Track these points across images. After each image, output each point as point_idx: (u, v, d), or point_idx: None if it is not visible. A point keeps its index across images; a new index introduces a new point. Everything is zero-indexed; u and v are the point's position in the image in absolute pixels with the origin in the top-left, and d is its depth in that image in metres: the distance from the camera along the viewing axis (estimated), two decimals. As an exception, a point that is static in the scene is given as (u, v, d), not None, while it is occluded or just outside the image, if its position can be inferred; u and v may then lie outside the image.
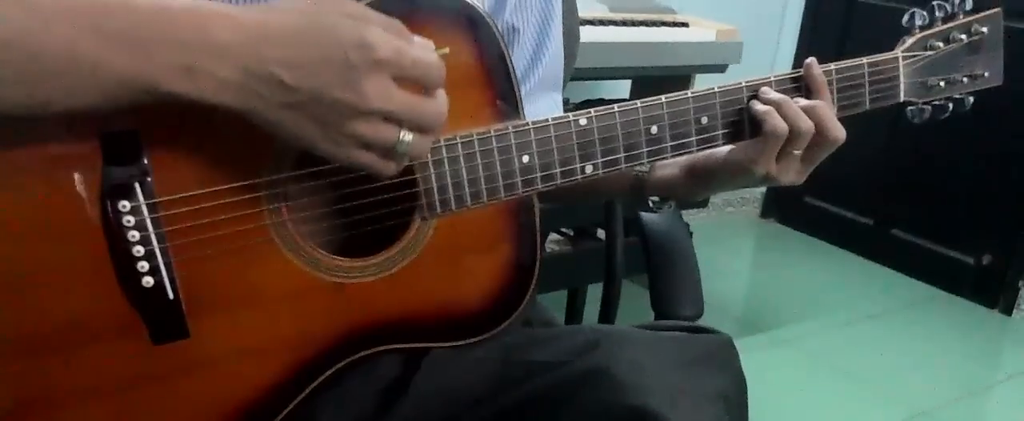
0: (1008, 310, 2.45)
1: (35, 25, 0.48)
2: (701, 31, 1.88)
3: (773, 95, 0.71)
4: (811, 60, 0.73)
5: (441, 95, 0.57)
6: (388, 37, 0.53)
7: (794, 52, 2.80)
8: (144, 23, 0.51)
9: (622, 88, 2.16)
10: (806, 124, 0.70)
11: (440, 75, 0.56)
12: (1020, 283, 2.42)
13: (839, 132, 0.71)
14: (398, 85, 0.54)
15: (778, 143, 0.70)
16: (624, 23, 1.78)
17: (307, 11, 0.53)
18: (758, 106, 0.71)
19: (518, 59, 0.80)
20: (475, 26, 0.65)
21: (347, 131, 0.54)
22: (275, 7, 0.54)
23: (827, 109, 0.71)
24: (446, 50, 0.56)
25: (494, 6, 0.77)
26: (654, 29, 1.81)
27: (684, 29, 1.87)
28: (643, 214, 0.94)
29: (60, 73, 0.49)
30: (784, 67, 2.82)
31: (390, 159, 0.57)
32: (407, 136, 0.55)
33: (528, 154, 0.67)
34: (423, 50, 0.55)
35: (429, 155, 0.64)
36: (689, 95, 0.70)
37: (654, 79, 1.88)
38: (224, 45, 0.51)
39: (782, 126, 0.70)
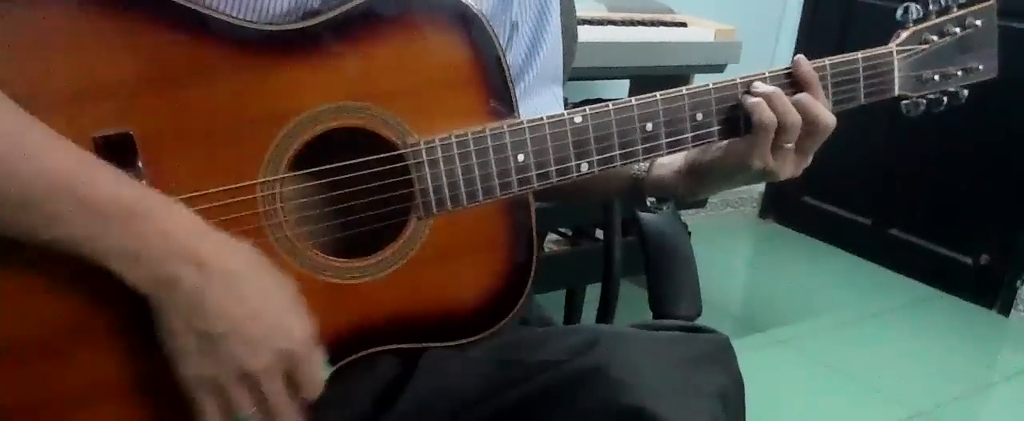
0: (1006, 310, 2.45)
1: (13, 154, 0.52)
2: (700, 31, 1.88)
3: (763, 88, 0.71)
4: (800, 57, 0.73)
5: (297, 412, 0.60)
6: (305, 340, 0.59)
7: (792, 52, 2.80)
8: (112, 203, 0.54)
9: (620, 88, 2.16)
10: (794, 116, 0.70)
11: (316, 392, 0.61)
12: (1018, 283, 2.42)
13: (829, 119, 0.72)
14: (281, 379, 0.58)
15: (768, 135, 0.71)
16: (622, 23, 1.77)
17: (257, 268, 0.58)
18: (749, 99, 0.71)
19: (516, 54, 0.80)
20: (469, 25, 0.65)
21: (219, 380, 0.56)
22: (233, 246, 0.58)
23: (813, 100, 0.72)
24: (330, 369, 0.63)
25: (499, 3, 0.77)
26: (652, 29, 1.81)
27: (682, 29, 1.87)
28: (641, 214, 0.94)
29: (22, 210, 0.52)
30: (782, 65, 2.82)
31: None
32: (251, 417, 0.58)
33: (523, 153, 0.66)
34: (322, 368, 0.61)
35: (424, 154, 0.64)
36: (684, 92, 0.70)
37: (652, 79, 1.88)
38: (176, 252, 0.55)
39: (770, 117, 0.70)
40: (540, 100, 0.82)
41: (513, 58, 0.80)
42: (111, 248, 0.53)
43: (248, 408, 0.58)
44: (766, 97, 0.70)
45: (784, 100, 0.70)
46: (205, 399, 0.57)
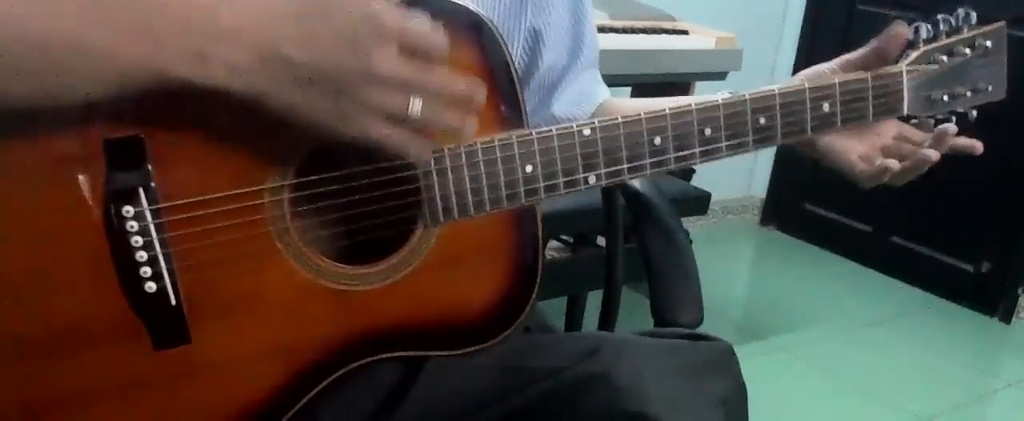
0: (1007, 318, 2.45)
1: (45, 17, 0.48)
2: (701, 39, 1.89)
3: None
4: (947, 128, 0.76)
5: (445, 66, 0.57)
6: (391, 9, 0.54)
7: (793, 60, 2.81)
8: (153, 11, 0.51)
9: (622, 95, 2.15)
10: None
11: (443, 44, 0.56)
12: (1019, 291, 2.42)
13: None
14: (406, 56, 0.55)
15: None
16: (624, 30, 1.78)
17: None
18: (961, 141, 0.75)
19: (553, 56, 0.81)
20: (479, 32, 0.65)
21: (359, 100, 0.54)
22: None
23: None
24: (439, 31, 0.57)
25: (515, 10, 0.77)
26: (654, 37, 1.82)
27: (684, 37, 1.88)
28: (641, 222, 0.94)
29: (71, 64, 0.50)
30: (784, 75, 2.82)
31: (405, 130, 0.56)
32: (418, 102, 0.56)
33: (532, 164, 0.67)
34: (424, 21, 0.56)
35: (432, 163, 0.65)
36: (693, 107, 0.70)
37: (654, 86, 1.88)
38: (234, 29, 0.52)
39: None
40: (581, 81, 0.84)
41: (554, 58, 0.81)
42: (178, 53, 0.51)
43: (403, 102, 0.55)
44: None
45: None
46: (374, 127, 0.55)
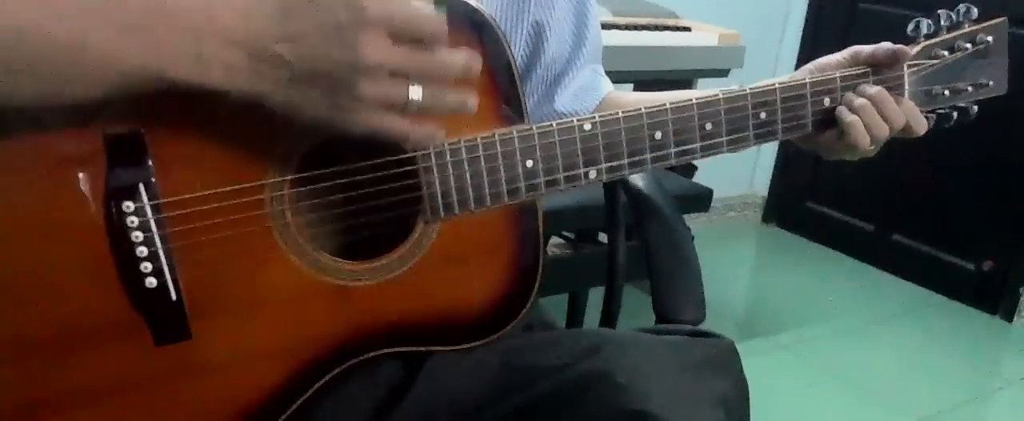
0: (1009, 316, 2.45)
1: (45, 16, 0.48)
2: (703, 35, 1.88)
3: (871, 90, 0.73)
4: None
5: (443, 46, 0.56)
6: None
7: (796, 57, 2.81)
8: (153, 12, 0.51)
9: (624, 92, 2.15)
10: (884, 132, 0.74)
11: (437, 26, 0.55)
12: (1021, 289, 2.42)
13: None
14: (397, 43, 0.53)
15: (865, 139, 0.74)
16: (627, 27, 1.78)
17: None
18: (857, 100, 0.73)
19: (558, 48, 0.80)
20: (480, 29, 0.65)
21: (355, 93, 0.53)
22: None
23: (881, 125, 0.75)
24: (444, 8, 0.56)
25: (518, 3, 0.77)
26: (656, 33, 1.81)
27: (686, 33, 1.87)
28: (643, 219, 0.94)
29: (71, 64, 0.49)
30: (786, 71, 2.81)
31: (408, 116, 0.56)
32: (416, 90, 0.55)
33: (532, 159, 0.67)
34: (416, 4, 0.55)
35: (433, 158, 0.64)
36: (693, 101, 0.70)
37: (656, 83, 1.88)
38: (227, 28, 0.51)
39: (865, 139, 0.73)
40: (581, 77, 0.84)
41: (557, 52, 0.80)
42: (178, 56, 0.51)
43: (401, 90, 0.54)
44: (873, 100, 0.73)
45: (877, 118, 0.73)
46: (374, 119, 0.55)
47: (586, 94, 0.86)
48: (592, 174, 0.69)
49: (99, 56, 0.50)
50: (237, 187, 0.60)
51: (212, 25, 0.51)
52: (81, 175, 0.56)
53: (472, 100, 0.59)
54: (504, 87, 0.67)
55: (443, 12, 0.55)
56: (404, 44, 0.54)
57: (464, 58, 0.57)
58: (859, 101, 0.73)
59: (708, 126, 0.71)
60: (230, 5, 0.52)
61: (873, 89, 0.74)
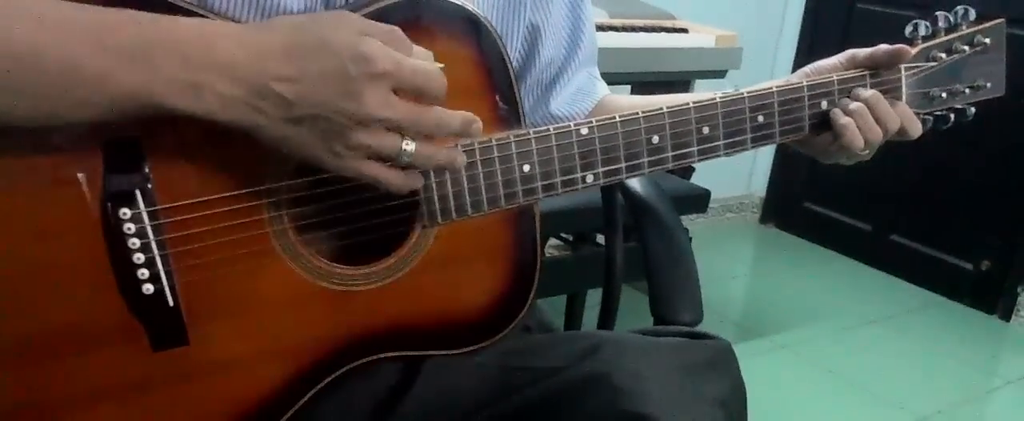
0: (1006, 316, 2.45)
1: (43, 39, 0.49)
2: (700, 37, 1.88)
3: (866, 93, 0.74)
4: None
5: (442, 104, 0.57)
6: (386, 50, 0.53)
7: (793, 58, 2.81)
8: (151, 39, 0.51)
9: (621, 94, 2.15)
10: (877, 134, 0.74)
11: (440, 84, 0.56)
12: (1019, 289, 2.42)
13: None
14: (399, 96, 0.54)
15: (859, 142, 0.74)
16: (623, 28, 1.78)
17: (305, 26, 0.54)
18: (851, 104, 0.73)
19: (553, 50, 0.80)
20: (477, 32, 0.65)
21: (351, 142, 0.54)
22: (275, 23, 0.55)
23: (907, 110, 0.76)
24: (442, 66, 0.57)
25: (514, 5, 0.77)
26: (653, 35, 1.81)
27: (683, 35, 1.87)
28: (641, 220, 0.94)
29: (66, 86, 0.50)
30: (783, 73, 2.81)
31: (398, 169, 0.57)
32: (410, 145, 0.56)
33: (529, 163, 0.67)
34: (422, 61, 0.55)
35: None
36: (690, 104, 0.70)
37: (653, 85, 1.88)
38: (229, 63, 0.52)
39: (859, 142, 0.73)
40: (577, 80, 0.84)
41: (553, 54, 0.81)
42: (173, 83, 0.51)
43: (395, 144, 0.55)
44: (868, 103, 0.73)
45: (870, 121, 0.73)
46: (365, 167, 0.56)
47: (582, 97, 0.86)
48: (589, 179, 0.69)
49: (92, 81, 0.50)
50: (235, 193, 0.60)
51: (210, 57, 0.52)
52: (79, 181, 0.56)
53: (461, 158, 0.61)
54: (500, 89, 0.67)
55: (442, 68, 0.56)
56: (406, 98, 0.54)
57: (462, 118, 0.58)
58: (854, 104, 0.73)
59: (705, 130, 0.71)
60: (233, 38, 0.53)
61: (868, 92, 0.74)
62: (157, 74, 0.51)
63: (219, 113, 0.53)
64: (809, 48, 2.78)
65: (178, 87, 0.51)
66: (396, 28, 0.55)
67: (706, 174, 1.87)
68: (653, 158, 0.70)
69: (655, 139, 0.70)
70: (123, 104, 0.51)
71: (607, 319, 1.03)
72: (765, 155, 3.00)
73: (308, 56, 0.53)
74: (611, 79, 0.93)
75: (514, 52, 0.79)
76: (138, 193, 0.57)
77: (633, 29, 1.79)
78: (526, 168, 0.67)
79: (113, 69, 0.50)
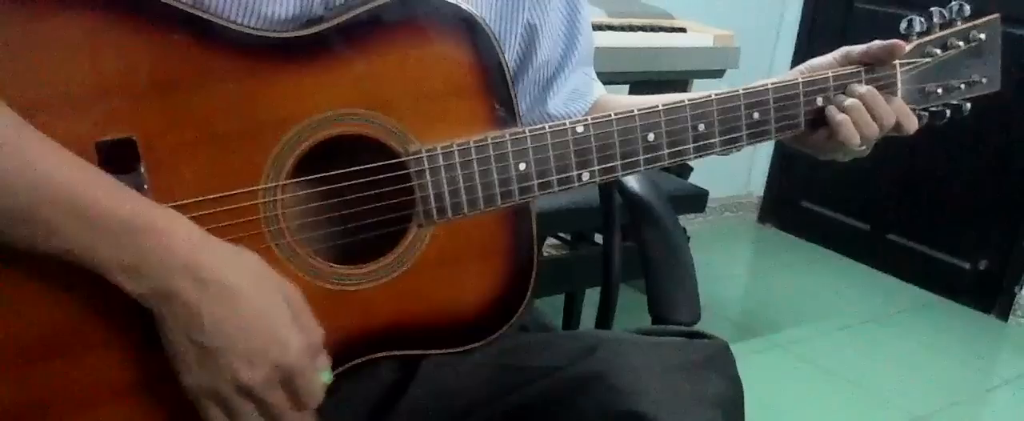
0: (1004, 315, 2.45)
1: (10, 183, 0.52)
2: (699, 36, 1.89)
3: (861, 89, 0.74)
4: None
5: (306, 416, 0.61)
6: (302, 352, 0.58)
7: (791, 57, 2.81)
8: (112, 216, 0.53)
9: (619, 93, 2.16)
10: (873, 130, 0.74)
11: (316, 402, 0.61)
12: (1016, 289, 2.42)
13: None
14: (282, 387, 0.58)
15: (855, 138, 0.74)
16: (622, 28, 1.78)
17: (257, 281, 0.58)
18: (846, 100, 0.74)
19: (549, 50, 0.80)
20: (472, 31, 0.65)
21: (219, 391, 0.57)
22: (234, 258, 0.57)
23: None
24: (331, 376, 0.62)
25: (512, 5, 0.77)
26: (652, 34, 1.81)
27: (682, 34, 1.88)
28: (640, 219, 0.94)
29: (20, 222, 0.52)
30: (782, 72, 2.82)
31: None
32: None
33: (525, 161, 0.67)
34: (321, 373, 0.61)
35: (426, 162, 0.64)
36: (686, 102, 0.70)
37: (651, 84, 1.88)
38: (189, 266, 0.55)
39: (855, 138, 0.73)
40: (573, 80, 0.84)
41: (549, 54, 0.81)
42: (110, 260, 0.54)
43: (250, 416, 0.58)
44: (863, 99, 0.73)
45: (866, 117, 0.73)
46: (208, 406, 0.58)
47: (579, 97, 0.86)
48: (585, 176, 0.69)
49: (43, 229, 0.52)
50: (231, 193, 0.60)
51: (163, 254, 0.54)
52: None
53: None
54: (496, 88, 0.67)
55: (329, 380, 0.61)
56: (286, 391, 0.59)
57: None
58: (849, 101, 0.73)
59: (701, 127, 0.71)
60: (192, 245, 0.56)
61: (863, 88, 0.74)
62: (96, 251, 0.54)
63: (141, 299, 0.55)
64: (807, 47, 2.78)
65: (119, 266, 0.54)
66: (320, 333, 0.61)
67: (704, 173, 1.88)
68: (649, 155, 0.70)
69: (651, 136, 0.70)
70: (66, 256, 0.54)
71: (605, 318, 1.03)
72: (763, 154, 3.00)
73: (243, 309, 0.56)
74: (609, 78, 0.94)
75: (511, 52, 0.79)
76: (133, 193, 0.57)
77: (631, 28, 1.79)
78: (522, 166, 0.67)
79: (61, 227, 0.53)
